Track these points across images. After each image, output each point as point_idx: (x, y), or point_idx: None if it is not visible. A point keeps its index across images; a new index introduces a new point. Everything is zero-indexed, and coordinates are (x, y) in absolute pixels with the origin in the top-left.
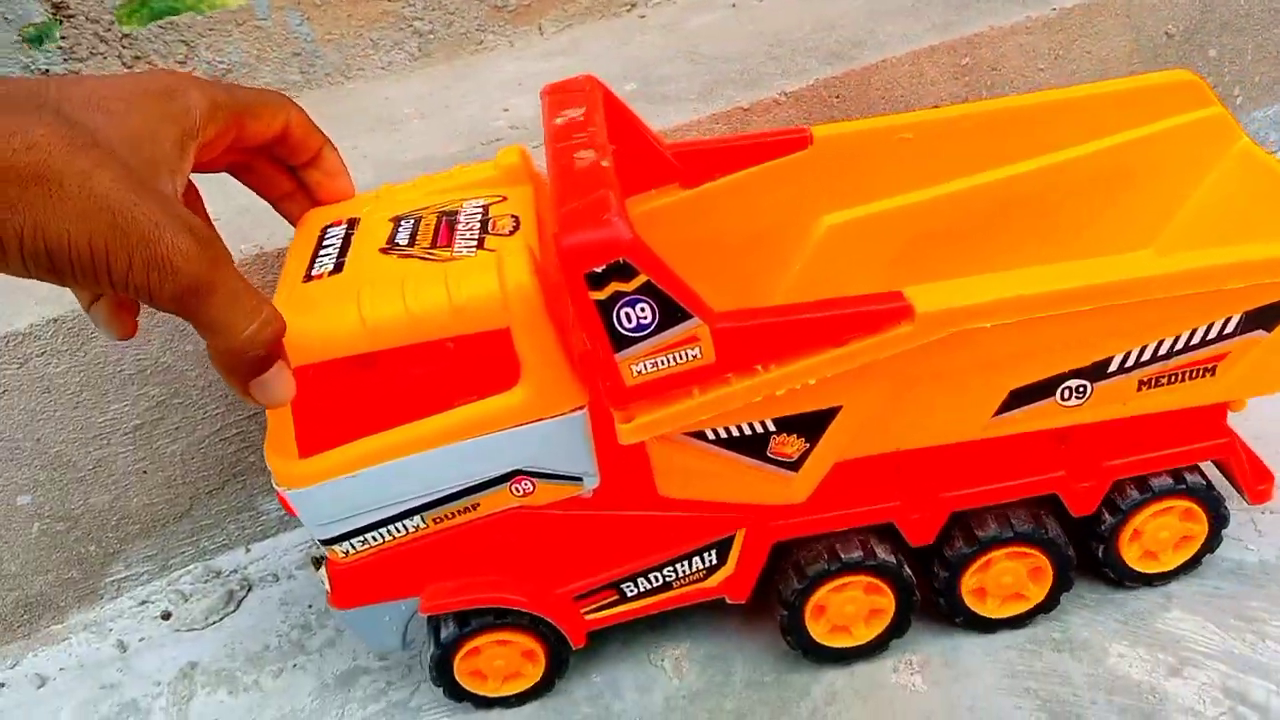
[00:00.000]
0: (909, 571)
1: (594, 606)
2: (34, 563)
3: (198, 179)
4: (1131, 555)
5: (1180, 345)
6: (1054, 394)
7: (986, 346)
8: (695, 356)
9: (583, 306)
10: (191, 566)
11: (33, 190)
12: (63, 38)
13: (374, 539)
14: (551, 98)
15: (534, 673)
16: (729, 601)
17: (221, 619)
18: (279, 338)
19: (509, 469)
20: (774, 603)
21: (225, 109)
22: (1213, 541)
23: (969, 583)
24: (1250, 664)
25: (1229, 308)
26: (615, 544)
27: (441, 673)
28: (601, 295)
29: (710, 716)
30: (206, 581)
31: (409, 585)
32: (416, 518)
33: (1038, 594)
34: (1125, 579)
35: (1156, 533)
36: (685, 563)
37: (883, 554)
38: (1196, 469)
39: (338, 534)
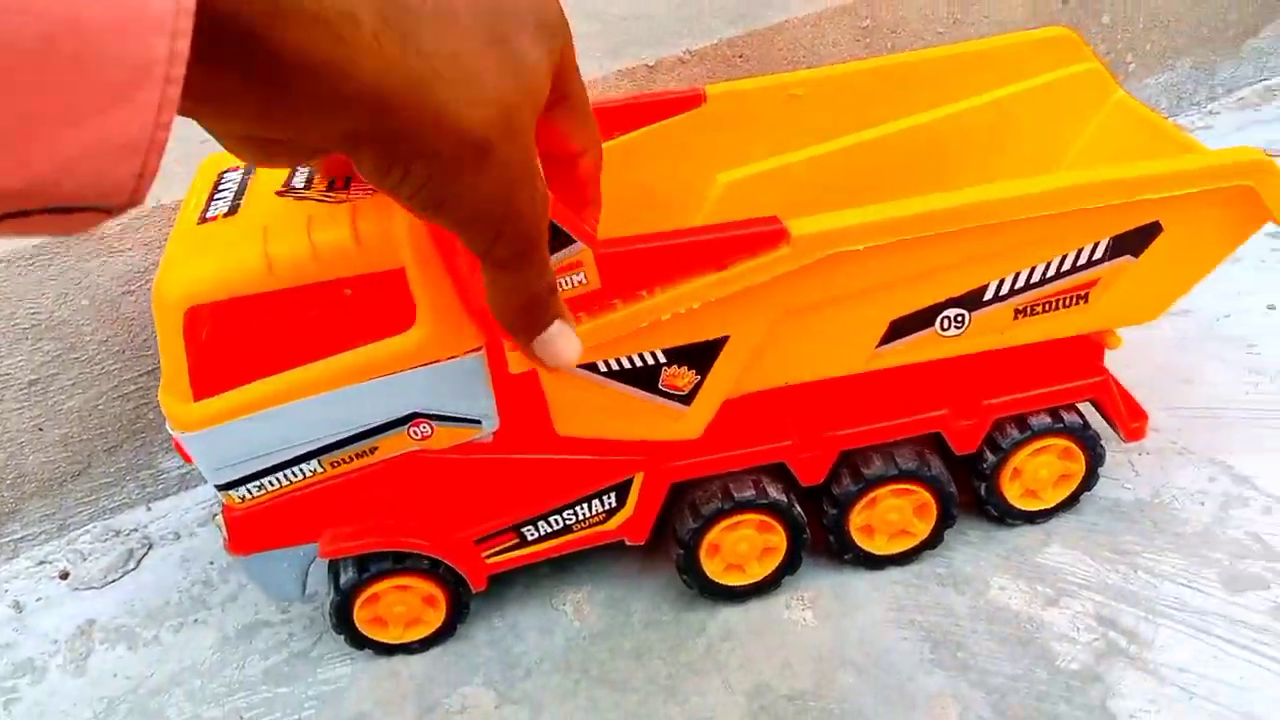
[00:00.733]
0: (800, 510)
1: (495, 550)
2: None
3: None
4: (1013, 493)
5: (1052, 272)
6: (934, 324)
7: (864, 271)
8: (581, 282)
9: None
10: (90, 525)
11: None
12: None
13: (271, 484)
14: None
15: (435, 619)
16: (628, 543)
17: (121, 577)
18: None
19: (407, 412)
20: (670, 542)
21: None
22: (1090, 480)
23: (857, 520)
24: (1122, 593)
25: (1095, 232)
26: (515, 487)
27: (342, 619)
28: None
29: (610, 656)
30: (106, 540)
31: (307, 531)
32: (314, 462)
33: (923, 530)
34: (1007, 516)
35: (1036, 471)
36: (585, 505)
37: (774, 493)
38: (1074, 409)
39: (233, 479)
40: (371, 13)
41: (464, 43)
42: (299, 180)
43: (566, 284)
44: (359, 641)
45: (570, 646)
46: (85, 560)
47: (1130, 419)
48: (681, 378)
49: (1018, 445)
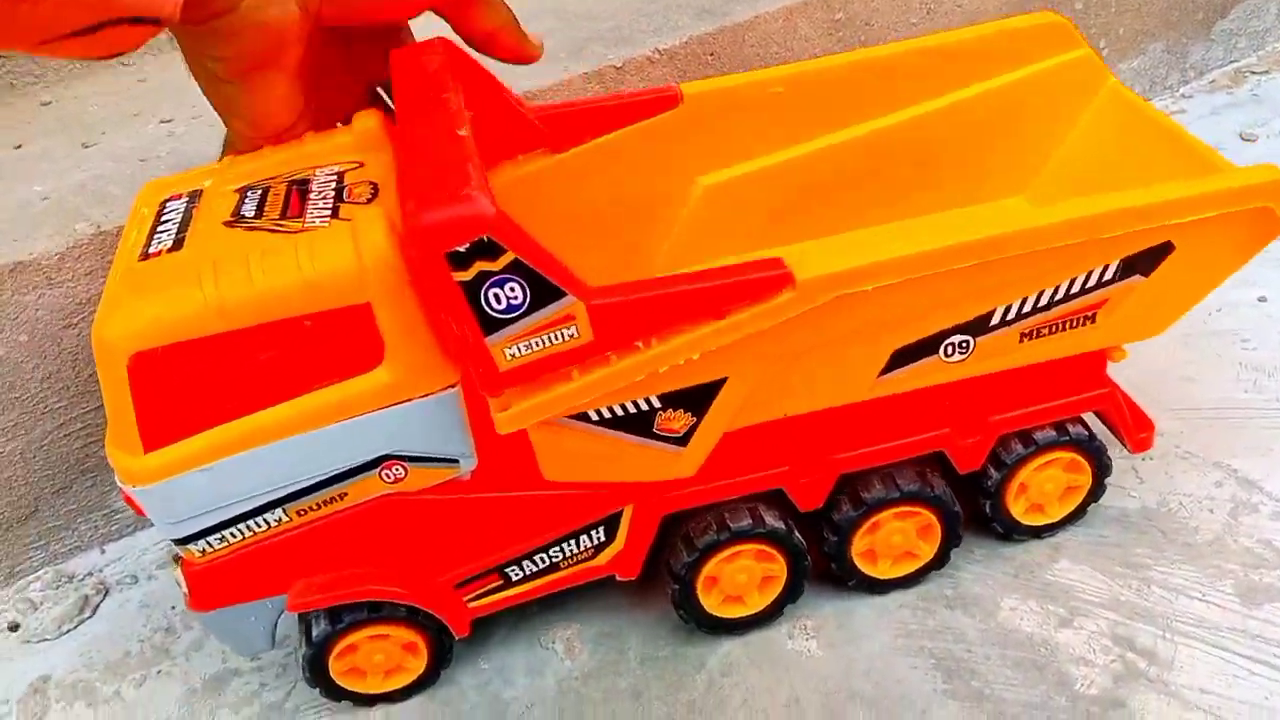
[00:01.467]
0: (799, 537)
1: (477, 593)
2: None
3: None
4: (1018, 509)
5: (1060, 295)
6: (937, 351)
7: (869, 308)
8: (572, 336)
9: (446, 289)
10: (41, 572)
11: None
12: None
13: (232, 536)
14: (400, 63)
15: (416, 666)
16: (619, 579)
17: (76, 626)
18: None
19: (378, 454)
20: (665, 576)
21: None
22: (1097, 491)
23: (859, 545)
24: (1137, 610)
25: (1106, 255)
26: (497, 527)
27: (316, 673)
28: (466, 276)
29: (605, 696)
30: (58, 587)
31: (274, 583)
32: (278, 511)
33: (928, 551)
34: (1013, 533)
35: (1042, 485)
36: (572, 542)
37: (771, 520)
38: (1079, 420)
39: (191, 532)
40: None
41: None
42: (249, 209)
43: (557, 339)
44: (336, 694)
45: (562, 689)
46: (36, 610)
47: (1137, 429)
48: (677, 420)
49: (1022, 460)
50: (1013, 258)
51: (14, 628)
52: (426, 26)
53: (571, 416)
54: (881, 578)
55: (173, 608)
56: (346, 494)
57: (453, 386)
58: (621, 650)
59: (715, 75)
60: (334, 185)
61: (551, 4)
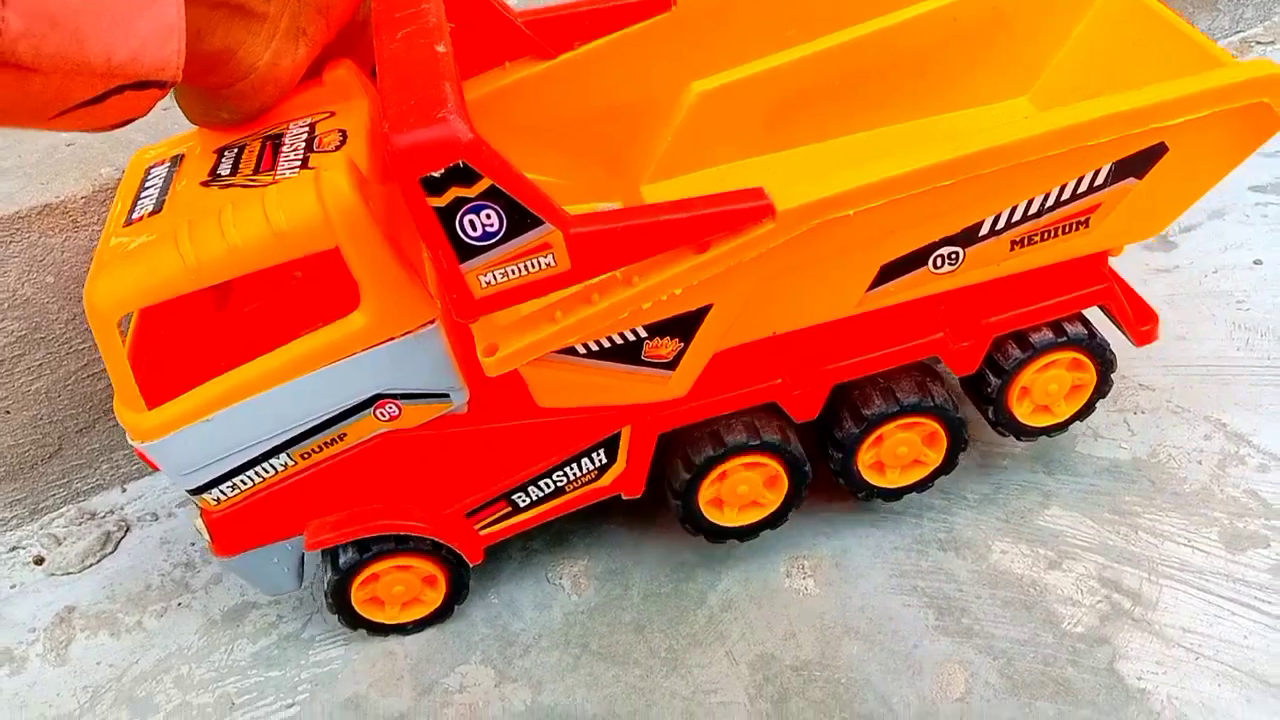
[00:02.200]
0: (797, 446)
1: (487, 521)
2: None
3: None
4: (1023, 411)
5: (1052, 202)
6: (926, 263)
7: (853, 230)
8: (549, 265)
9: (421, 215)
10: (64, 509)
11: None
12: None
13: (243, 483)
14: None
15: (434, 598)
16: (625, 498)
17: (99, 561)
18: None
19: (369, 394)
20: (668, 499)
21: None
22: (1104, 386)
23: (865, 458)
24: (1124, 554)
25: (1099, 160)
26: (499, 456)
27: (338, 599)
28: (441, 202)
29: (609, 629)
30: (81, 524)
31: (291, 524)
32: (283, 456)
33: (935, 458)
34: (1021, 434)
35: (1046, 386)
36: (575, 465)
37: (769, 434)
38: (1078, 318)
39: (203, 482)
40: None
41: None
42: (225, 168)
43: (534, 267)
44: (354, 621)
45: (569, 621)
46: (60, 545)
47: (1140, 321)
48: (665, 347)
49: (1022, 365)
50: (998, 171)
51: (39, 561)
52: None
53: (559, 351)
54: (892, 487)
55: (192, 544)
56: (346, 434)
57: (431, 323)
58: (626, 586)
59: None
60: (305, 136)
61: None
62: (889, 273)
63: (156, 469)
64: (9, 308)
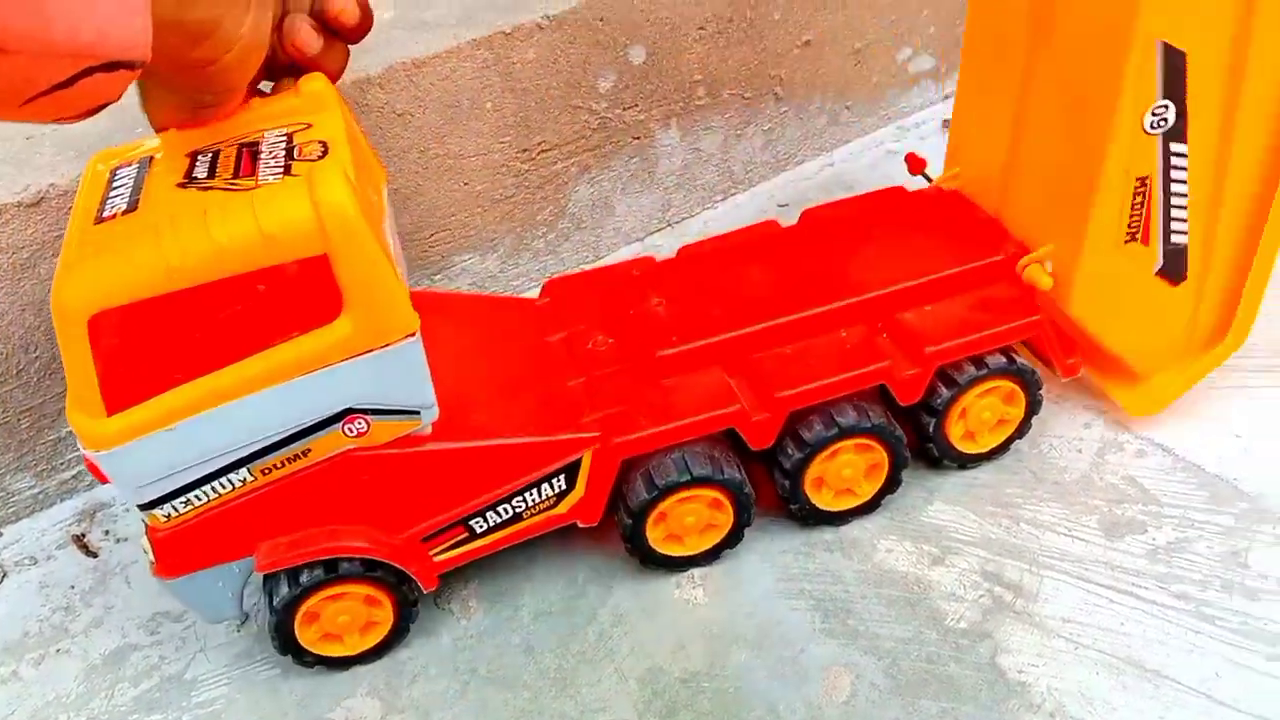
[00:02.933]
0: (750, 489)
1: (443, 547)
2: None
3: None
4: (956, 434)
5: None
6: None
7: None
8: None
9: None
10: None
11: None
12: None
13: (198, 498)
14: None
15: (385, 618)
16: (581, 526)
17: None
18: None
19: (340, 408)
20: (619, 511)
21: None
22: (1024, 426)
23: (812, 474)
24: (1006, 547)
25: None
26: (461, 479)
27: (284, 639)
28: None
29: (499, 652)
30: None
31: (241, 545)
32: (243, 471)
33: (868, 490)
34: (945, 458)
35: (980, 413)
36: (534, 491)
37: (730, 470)
38: (1014, 350)
39: (156, 496)
40: None
41: None
42: (201, 171)
43: None
44: (306, 660)
45: (457, 647)
46: None
47: (1065, 355)
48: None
49: (972, 384)
50: None
51: None
52: None
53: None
54: (835, 510)
55: (72, 587)
56: (310, 450)
57: (413, 335)
58: (516, 607)
59: (607, 41)
60: (284, 146)
61: None
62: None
63: (105, 481)
64: None
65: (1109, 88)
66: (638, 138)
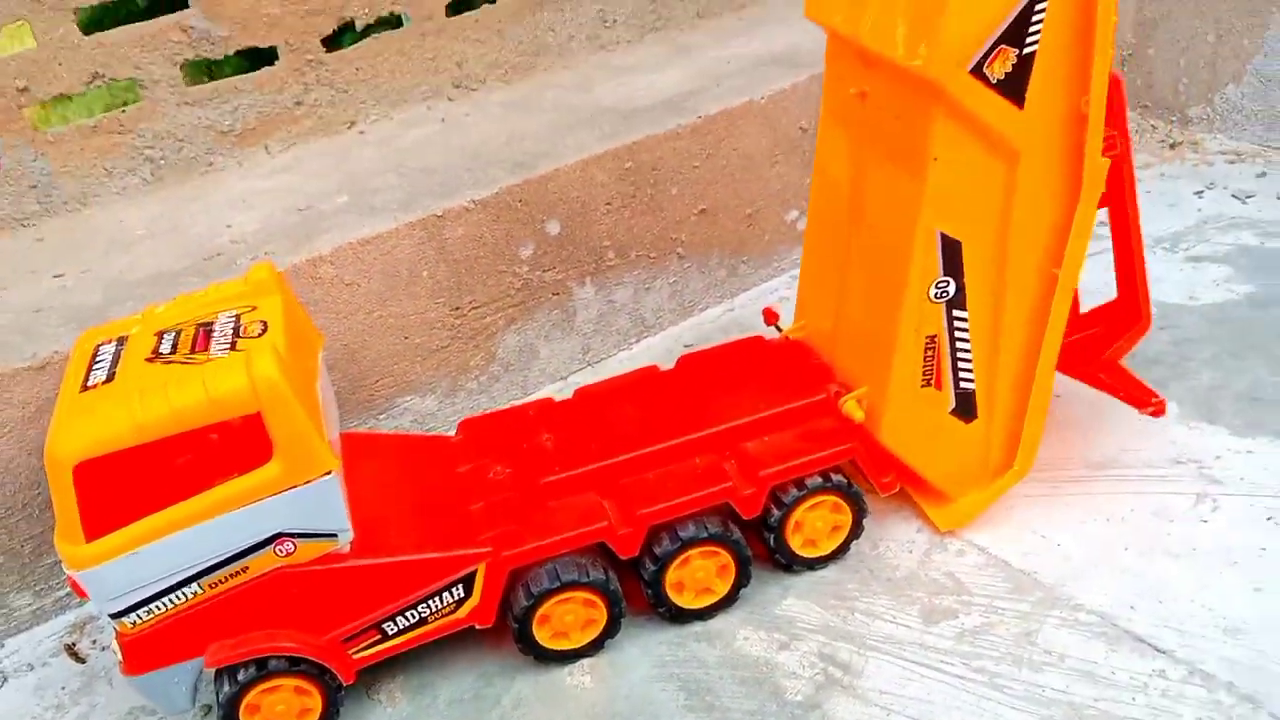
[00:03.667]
0: (616, 585)
1: (361, 647)
2: None
3: None
4: (796, 542)
5: None
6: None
7: None
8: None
9: None
10: None
11: None
12: None
13: (157, 608)
14: None
15: (316, 705)
16: (478, 628)
17: None
18: None
19: (271, 533)
20: (506, 617)
21: None
22: (856, 530)
23: (672, 578)
24: (841, 633)
25: None
26: (373, 588)
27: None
28: None
29: None
30: None
31: (193, 646)
32: (194, 585)
33: (723, 588)
34: (794, 564)
35: (814, 523)
36: (437, 598)
37: (595, 572)
38: (840, 471)
39: (124, 606)
40: None
41: None
42: (165, 347)
43: None
44: None
45: None
46: None
47: (880, 474)
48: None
49: (797, 501)
50: None
51: None
52: None
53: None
54: (690, 607)
55: (62, 688)
56: (248, 568)
57: (329, 473)
58: (434, 696)
59: (524, 220)
60: (232, 325)
61: (395, 161)
62: None
63: (84, 596)
64: None
65: (901, 265)
66: (557, 293)
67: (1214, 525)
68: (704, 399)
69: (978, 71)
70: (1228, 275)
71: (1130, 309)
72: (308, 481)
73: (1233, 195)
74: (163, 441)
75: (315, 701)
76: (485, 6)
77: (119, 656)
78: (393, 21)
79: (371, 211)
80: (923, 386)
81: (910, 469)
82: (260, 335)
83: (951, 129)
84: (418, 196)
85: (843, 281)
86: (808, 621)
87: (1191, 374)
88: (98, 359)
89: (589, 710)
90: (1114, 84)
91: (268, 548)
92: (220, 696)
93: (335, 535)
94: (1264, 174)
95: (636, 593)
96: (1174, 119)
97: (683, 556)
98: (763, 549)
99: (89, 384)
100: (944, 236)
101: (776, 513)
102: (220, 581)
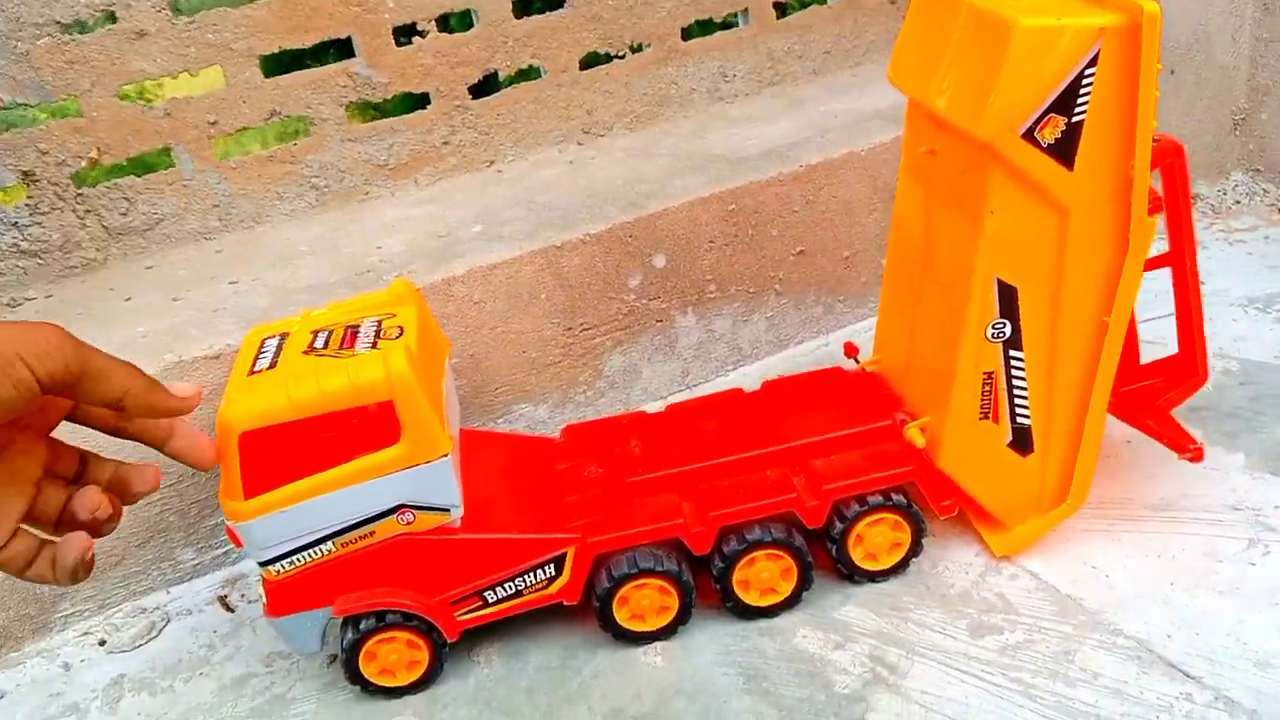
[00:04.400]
0: (689, 576)
1: (465, 610)
2: None
3: None
4: (858, 555)
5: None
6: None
7: None
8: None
9: None
10: (123, 605)
11: None
12: (29, 197)
13: (298, 560)
14: None
15: (424, 659)
16: (566, 604)
17: (146, 643)
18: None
19: (395, 503)
20: (591, 597)
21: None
22: (916, 548)
23: (738, 576)
24: (892, 639)
25: None
26: (478, 560)
27: (350, 665)
28: None
29: (508, 693)
30: (135, 616)
31: (325, 596)
32: (329, 543)
33: (786, 588)
34: (855, 574)
35: (874, 538)
36: (532, 574)
37: (669, 563)
38: (901, 491)
39: (271, 556)
40: None
41: None
42: (320, 343)
43: None
44: (369, 689)
45: (479, 686)
46: (118, 631)
47: (939, 498)
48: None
49: (858, 516)
50: None
51: (102, 643)
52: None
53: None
54: (762, 605)
55: (214, 631)
56: (374, 531)
57: (445, 456)
58: (525, 662)
59: (635, 253)
60: (375, 328)
61: (526, 197)
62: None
63: (240, 545)
64: None
65: (961, 306)
66: (660, 320)
67: (1262, 569)
68: (780, 419)
69: (1029, 136)
70: None
71: (1188, 363)
72: (428, 461)
73: None
74: (312, 419)
75: (423, 655)
76: (616, 61)
77: (264, 600)
78: (531, 73)
79: (500, 240)
80: (980, 419)
81: (969, 496)
82: (397, 338)
83: (1007, 185)
84: (541, 228)
85: (914, 320)
86: (863, 626)
87: (1263, 428)
88: (263, 350)
89: (659, 685)
90: (1176, 152)
91: (392, 515)
92: (344, 642)
93: (448, 510)
94: None
95: (708, 588)
96: None
97: (749, 557)
98: (827, 559)
99: (255, 369)
100: (1000, 282)
101: (839, 525)
102: (351, 542)
